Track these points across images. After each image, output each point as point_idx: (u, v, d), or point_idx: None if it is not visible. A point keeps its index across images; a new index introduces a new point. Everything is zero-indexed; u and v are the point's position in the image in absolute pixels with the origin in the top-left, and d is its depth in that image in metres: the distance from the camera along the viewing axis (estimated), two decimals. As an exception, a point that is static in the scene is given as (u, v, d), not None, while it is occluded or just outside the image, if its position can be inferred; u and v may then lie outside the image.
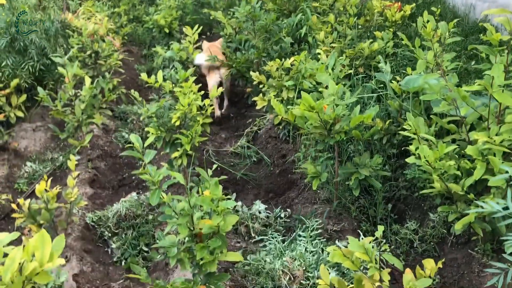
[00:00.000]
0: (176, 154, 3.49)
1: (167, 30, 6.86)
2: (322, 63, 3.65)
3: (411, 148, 2.62)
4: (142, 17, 7.81)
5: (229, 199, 2.36)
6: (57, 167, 4.45)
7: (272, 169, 4.27)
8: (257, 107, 4.43)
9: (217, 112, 5.43)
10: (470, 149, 2.55)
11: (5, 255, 1.78)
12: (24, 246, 1.82)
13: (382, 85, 4.30)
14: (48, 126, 4.98)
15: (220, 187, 2.37)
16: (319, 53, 3.98)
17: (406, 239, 3.22)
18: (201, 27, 5.83)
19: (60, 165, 4.46)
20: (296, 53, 5.25)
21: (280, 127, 4.53)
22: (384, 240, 2.22)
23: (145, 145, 2.72)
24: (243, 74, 5.31)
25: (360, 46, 4.65)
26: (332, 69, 3.57)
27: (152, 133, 3.47)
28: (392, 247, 3.19)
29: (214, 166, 2.59)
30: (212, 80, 5.38)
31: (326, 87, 3.32)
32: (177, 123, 3.40)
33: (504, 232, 2.56)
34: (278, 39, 5.36)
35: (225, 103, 5.77)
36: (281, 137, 4.54)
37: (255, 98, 4.47)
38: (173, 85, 3.86)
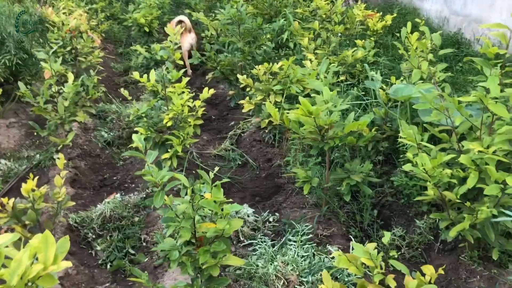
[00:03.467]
0: (166, 155, 3.42)
1: (147, 29, 6.75)
2: (314, 69, 3.68)
3: (409, 155, 2.67)
4: (118, 14, 7.67)
5: (230, 202, 2.33)
6: (33, 166, 4.28)
7: (258, 172, 4.25)
8: (244, 110, 4.41)
9: (189, 72, 6.72)
10: (463, 158, 2.63)
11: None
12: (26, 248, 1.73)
13: (364, 93, 4.38)
14: (23, 122, 4.80)
15: (222, 190, 2.35)
16: (309, 59, 4.01)
17: (393, 245, 3.27)
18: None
19: (37, 163, 4.29)
20: (277, 58, 5.28)
21: (266, 131, 4.52)
22: (389, 247, 2.26)
23: (134, 145, 2.64)
24: (227, 76, 5.29)
25: (344, 54, 4.72)
26: (325, 76, 3.61)
27: (142, 133, 3.40)
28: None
29: (216, 169, 2.56)
30: (186, 42, 6.53)
31: (317, 93, 3.35)
32: (169, 124, 3.34)
33: (493, 239, 2.65)
34: (262, 43, 5.37)
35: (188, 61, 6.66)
36: (266, 140, 4.53)
37: (241, 102, 4.45)
38: (162, 84, 3.79)
